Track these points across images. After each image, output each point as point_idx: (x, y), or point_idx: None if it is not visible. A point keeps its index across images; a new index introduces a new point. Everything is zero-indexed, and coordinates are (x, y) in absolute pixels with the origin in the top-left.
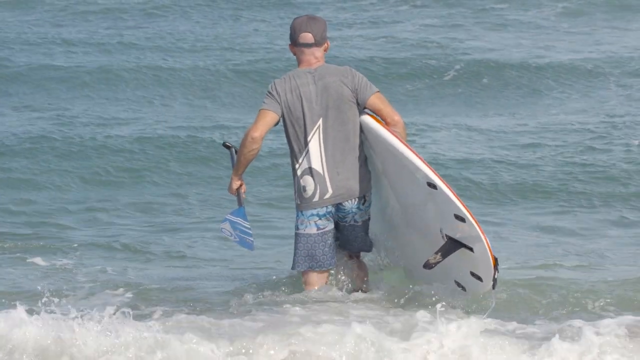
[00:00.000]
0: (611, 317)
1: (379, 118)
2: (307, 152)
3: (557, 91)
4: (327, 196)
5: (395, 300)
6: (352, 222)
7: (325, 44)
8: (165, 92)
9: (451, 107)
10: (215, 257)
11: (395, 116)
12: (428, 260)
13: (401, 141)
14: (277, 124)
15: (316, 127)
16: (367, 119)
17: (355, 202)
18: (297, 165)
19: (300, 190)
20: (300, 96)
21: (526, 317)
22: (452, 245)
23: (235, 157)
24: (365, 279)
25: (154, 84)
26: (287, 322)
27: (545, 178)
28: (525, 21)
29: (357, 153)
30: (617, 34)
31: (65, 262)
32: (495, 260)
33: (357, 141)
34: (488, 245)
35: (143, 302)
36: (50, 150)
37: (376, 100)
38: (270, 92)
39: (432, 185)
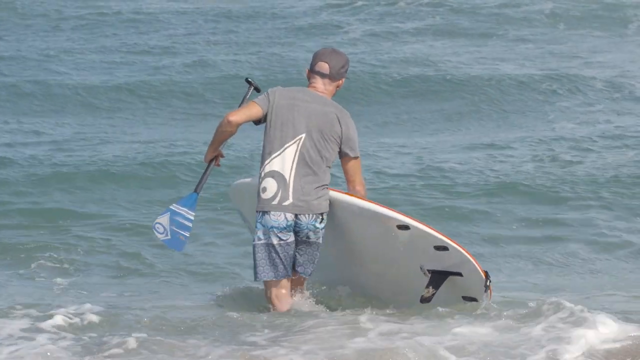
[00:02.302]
0: None
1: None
2: (281, 157)
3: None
4: (286, 203)
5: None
6: (304, 238)
7: (340, 81)
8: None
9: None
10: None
11: (359, 186)
12: (422, 295)
13: (357, 196)
14: (258, 120)
15: (298, 138)
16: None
17: (312, 219)
18: (264, 166)
19: (259, 191)
20: (295, 106)
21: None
22: (440, 275)
23: (249, 95)
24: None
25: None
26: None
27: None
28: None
29: (324, 178)
30: (597, 47)
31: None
32: (486, 273)
33: (327, 171)
34: (476, 262)
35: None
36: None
37: (353, 164)
38: (268, 93)
39: (403, 227)
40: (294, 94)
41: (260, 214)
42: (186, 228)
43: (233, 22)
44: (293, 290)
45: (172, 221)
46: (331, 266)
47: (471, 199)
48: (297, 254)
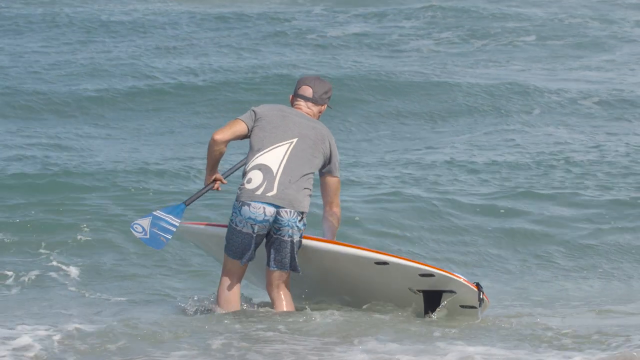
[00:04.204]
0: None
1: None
2: (270, 153)
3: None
4: (269, 194)
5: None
6: (285, 237)
7: (322, 107)
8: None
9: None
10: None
11: (336, 208)
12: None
13: (331, 242)
14: (244, 137)
15: (289, 141)
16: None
17: (293, 216)
18: (251, 161)
19: (244, 181)
20: (285, 117)
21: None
22: (434, 295)
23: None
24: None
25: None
26: None
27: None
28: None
29: (309, 183)
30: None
31: None
32: (477, 285)
33: (312, 178)
34: (465, 280)
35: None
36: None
37: (334, 184)
38: (253, 109)
39: (381, 262)
40: (282, 108)
41: (239, 203)
42: (169, 232)
43: (220, 26)
44: (277, 289)
45: (154, 224)
46: (317, 291)
47: (458, 206)
48: (281, 254)
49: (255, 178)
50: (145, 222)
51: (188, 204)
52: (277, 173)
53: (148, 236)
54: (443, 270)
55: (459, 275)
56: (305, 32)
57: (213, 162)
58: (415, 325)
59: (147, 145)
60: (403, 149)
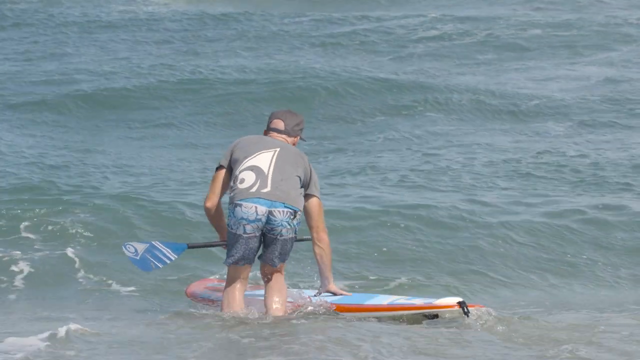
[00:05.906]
0: None
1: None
2: (258, 157)
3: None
4: (264, 190)
5: None
6: (278, 236)
7: (295, 138)
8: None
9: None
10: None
11: (322, 232)
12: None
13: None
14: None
15: (273, 149)
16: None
17: (286, 216)
18: (240, 166)
19: (237, 182)
20: (263, 138)
21: None
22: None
23: None
24: (280, 301)
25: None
26: None
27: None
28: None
29: (298, 183)
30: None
31: None
32: (459, 304)
33: (299, 182)
34: (449, 306)
35: None
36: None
37: (318, 205)
38: (231, 144)
39: (375, 317)
40: (257, 136)
41: (233, 205)
42: (162, 262)
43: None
44: (269, 280)
45: (149, 251)
46: None
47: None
48: (270, 250)
49: (248, 178)
50: (140, 247)
51: (190, 248)
52: (268, 172)
53: (138, 258)
54: (429, 307)
55: (443, 305)
56: (302, 32)
57: (218, 225)
58: (416, 334)
59: (147, 144)
60: (397, 148)
